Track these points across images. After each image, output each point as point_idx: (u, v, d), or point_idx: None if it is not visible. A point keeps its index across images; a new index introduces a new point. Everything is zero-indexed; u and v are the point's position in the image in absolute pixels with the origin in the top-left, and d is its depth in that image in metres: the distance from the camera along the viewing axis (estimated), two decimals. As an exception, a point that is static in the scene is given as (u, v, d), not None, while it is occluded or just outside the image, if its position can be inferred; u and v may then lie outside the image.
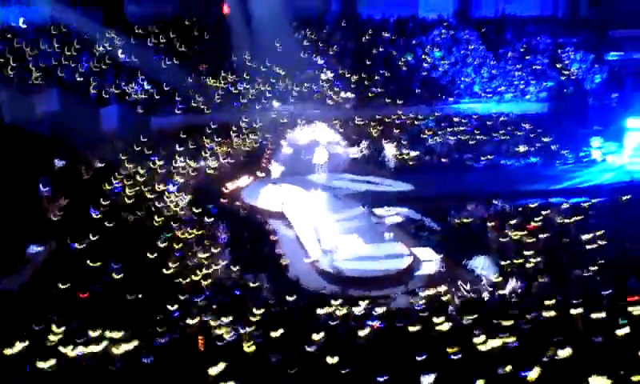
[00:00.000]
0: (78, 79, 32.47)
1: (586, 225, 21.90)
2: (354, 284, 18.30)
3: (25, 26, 34.52)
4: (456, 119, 33.81)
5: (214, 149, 29.42)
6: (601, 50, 37.79)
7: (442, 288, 17.05)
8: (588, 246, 20.22)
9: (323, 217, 22.72)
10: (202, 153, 28.79)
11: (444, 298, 16.53)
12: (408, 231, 22.19)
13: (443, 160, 29.75)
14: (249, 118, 32.43)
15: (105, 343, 12.97)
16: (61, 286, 16.11)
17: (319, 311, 15.21)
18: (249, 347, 13.07)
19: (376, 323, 14.51)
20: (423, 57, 37.85)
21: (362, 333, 13.99)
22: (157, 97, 33.09)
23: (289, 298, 16.21)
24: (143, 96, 32.91)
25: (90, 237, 19.18)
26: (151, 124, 31.59)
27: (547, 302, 15.42)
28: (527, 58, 37.88)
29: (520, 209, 23.29)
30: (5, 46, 32.88)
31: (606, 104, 34.36)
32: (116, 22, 35.71)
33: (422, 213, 23.35)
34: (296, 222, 22.72)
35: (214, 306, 15.47)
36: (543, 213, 22.65)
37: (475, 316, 14.97)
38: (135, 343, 12.93)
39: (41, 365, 12.10)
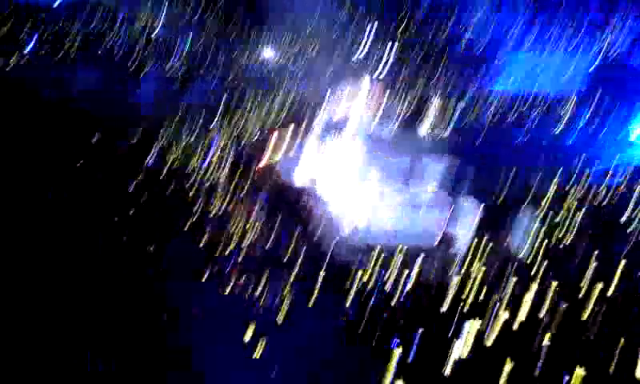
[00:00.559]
0: (115, 54, 32.92)
1: (623, 206, 21.54)
2: (386, 257, 18.32)
3: (62, 2, 35.03)
4: (491, 97, 33.36)
5: (248, 122, 29.62)
6: (644, 27, 36.84)
7: (476, 264, 16.99)
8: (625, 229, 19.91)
9: (356, 190, 22.77)
10: (236, 126, 29.03)
11: (477, 274, 16.49)
12: (442, 206, 22.16)
13: (477, 139, 29.44)
14: (283, 92, 32.53)
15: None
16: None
17: (350, 283, 15.32)
18: (281, 316, 13.27)
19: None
20: (461, 31, 37.37)
21: (394, 303, 14.06)
22: (191, 71, 33.39)
23: (321, 271, 16.36)
24: (178, 70, 33.23)
25: (127, 210, 19.55)
26: (186, 98, 31.93)
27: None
28: (566, 33, 37.14)
29: (556, 189, 23.01)
30: (43, 22, 33.47)
31: (649, 82, 33.52)
32: (152, -3, 36.05)
33: (455, 190, 23.23)
34: (329, 195, 22.81)
35: (247, 277, 15.70)
36: (579, 193, 22.34)
37: (507, 293, 14.94)
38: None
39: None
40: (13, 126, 22.46)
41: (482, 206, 21.94)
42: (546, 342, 12.29)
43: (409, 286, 15.05)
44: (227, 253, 16.85)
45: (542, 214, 20.66)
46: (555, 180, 23.26)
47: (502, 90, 34.69)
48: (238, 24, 36.77)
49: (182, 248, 17.40)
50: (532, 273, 16.55)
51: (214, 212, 20.14)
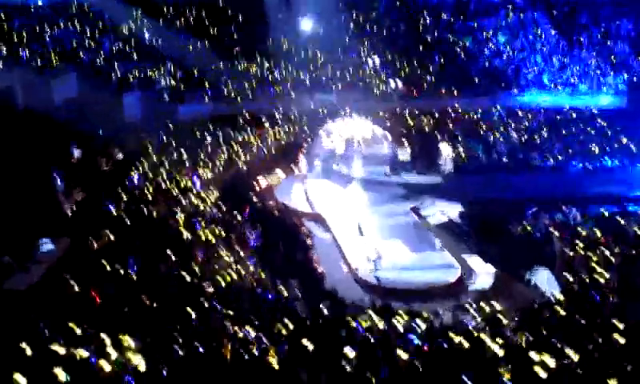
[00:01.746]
0: (100, 63, 33.23)
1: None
2: (396, 296, 18.25)
3: (43, 4, 35.47)
4: (521, 114, 33.40)
5: (246, 141, 29.75)
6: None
7: (497, 305, 16.83)
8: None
9: (363, 218, 22.69)
10: (233, 145, 29.15)
11: (499, 316, 16.31)
12: (458, 236, 22.13)
13: (505, 160, 29.36)
14: (285, 108, 32.73)
15: (119, 351, 13.22)
16: (74, 286, 16.46)
17: (356, 325, 15.19)
18: (274, 362, 13.17)
19: (419, 342, 14.42)
20: (486, 40, 37.53)
21: (403, 352, 13.92)
22: (184, 83, 33.64)
23: (323, 309, 16.24)
24: (170, 82, 33.49)
25: (108, 234, 19.55)
26: (178, 112, 32.23)
27: (618, 325, 15.11)
28: (605, 44, 37.16)
29: (592, 217, 22.84)
30: (22, 25, 33.84)
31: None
32: (141, 1, 36.42)
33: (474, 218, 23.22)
34: (334, 223, 22.77)
35: (240, 315, 15.59)
36: (618, 222, 22.18)
37: (533, 337, 14.77)
38: (152, 353, 13.16)
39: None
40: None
41: (507, 237, 21.82)
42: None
43: (423, 330, 14.92)
44: (218, 288, 16.75)
45: (574, 247, 20.46)
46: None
47: (532, 105, 34.70)
48: (236, 36, 36.93)
49: (167, 282, 17.32)
50: (561, 314, 16.35)
51: (204, 239, 20.04)
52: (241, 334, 14.37)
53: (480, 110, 33.63)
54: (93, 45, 34.25)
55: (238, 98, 33.49)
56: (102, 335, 13.62)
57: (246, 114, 32.09)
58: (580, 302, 17.16)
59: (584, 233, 21.34)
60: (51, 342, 13.54)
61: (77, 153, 25.97)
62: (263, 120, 32.03)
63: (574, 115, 33.26)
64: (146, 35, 35.18)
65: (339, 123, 30.76)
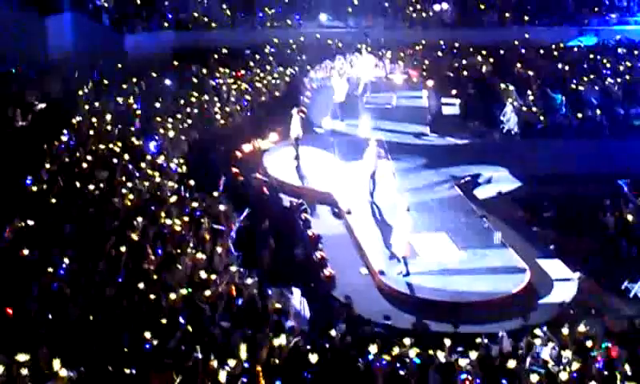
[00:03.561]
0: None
1: None
2: (436, 312, 18.47)
3: None
4: (621, 50, 33.40)
5: (224, 86, 29.87)
6: None
7: (582, 326, 17.02)
8: None
9: (390, 200, 22.84)
10: (205, 92, 29.27)
11: (584, 341, 16.52)
12: (526, 227, 22.30)
13: (597, 119, 29.40)
14: (279, 38, 32.83)
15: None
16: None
17: (379, 353, 15.43)
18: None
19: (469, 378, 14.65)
20: None
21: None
22: (134, 2, 33.74)
23: (333, 330, 16.44)
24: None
25: (24, 220, 19.73)
26: (125, 43, 32.33)
27: None
28: None
29: None
30: None
31: None
32: None
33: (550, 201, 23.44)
34: (348, 207, 22.93)
35: (214, 337, 15.81)
36: None
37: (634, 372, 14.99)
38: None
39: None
40: None
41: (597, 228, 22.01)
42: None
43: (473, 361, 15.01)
44: (183, 299, 16.84)
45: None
46: None
47: (636, 38, 34.65)
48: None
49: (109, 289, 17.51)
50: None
51: (163, 228, 20.20)
52: (214, 364, 14.62)
53: (562, 45, 33.65)
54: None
55: (211, 25, 33.59)
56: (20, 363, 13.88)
57: (223, 49, 32.19)
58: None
59: None
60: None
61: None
62: (247, 56, 32.13)
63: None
64: None
65: (355, 62, 30.85)
